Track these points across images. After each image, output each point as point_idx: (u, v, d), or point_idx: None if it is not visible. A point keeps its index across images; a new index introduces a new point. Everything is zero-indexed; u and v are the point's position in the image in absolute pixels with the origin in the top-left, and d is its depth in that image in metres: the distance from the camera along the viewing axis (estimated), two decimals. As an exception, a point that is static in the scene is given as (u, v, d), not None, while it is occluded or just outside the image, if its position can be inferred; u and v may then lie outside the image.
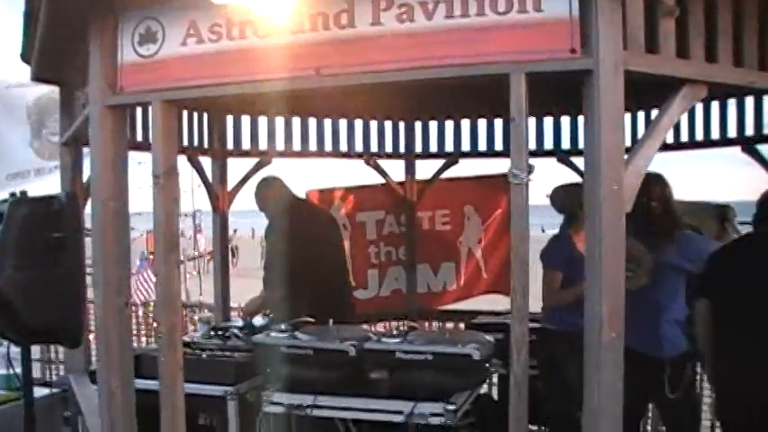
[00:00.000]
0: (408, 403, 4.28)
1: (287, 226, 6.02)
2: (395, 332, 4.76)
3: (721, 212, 6.09)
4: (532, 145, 7.43)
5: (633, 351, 3.36)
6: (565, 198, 5.75)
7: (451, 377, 4.40)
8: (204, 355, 5.26)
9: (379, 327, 8.34)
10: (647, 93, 3.83)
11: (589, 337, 3.23)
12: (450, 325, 8.62)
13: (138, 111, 5.95)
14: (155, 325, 10.91)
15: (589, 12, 3.16)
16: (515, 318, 3.30)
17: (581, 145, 7.26)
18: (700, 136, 6.67)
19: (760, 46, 3.68)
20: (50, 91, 11.28)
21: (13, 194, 4.39)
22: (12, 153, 12.15)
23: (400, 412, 4.29)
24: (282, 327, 4.94)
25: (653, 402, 5.28)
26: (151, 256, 15.50)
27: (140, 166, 5.95)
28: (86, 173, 5.84)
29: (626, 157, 3.28)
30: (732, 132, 6.51)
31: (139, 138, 6.09)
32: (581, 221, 4.44)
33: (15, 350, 5.58)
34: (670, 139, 6.62)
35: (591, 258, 3.22)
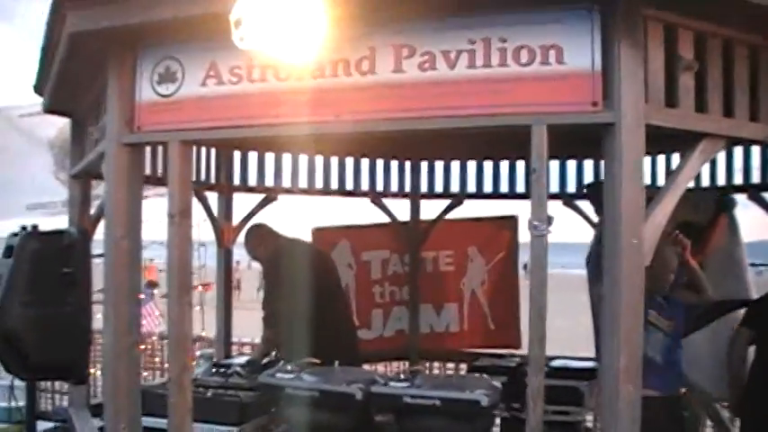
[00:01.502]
0: (416, 449, 4.25)
1: (279, 269, 6.06)
2: (402, 375, 4.71)
3: (720, 202, 6.06)
4: (521, 187, 7.48)
5: None
6: None
7: (460, 423, 4.34)
8: (209, 394, 5.21)
9: (380, 367, 8.33)
10: (660, 139, 3.83)
11: (606, 388, 3.22)
12: (451, 366, 8.62)
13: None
14: (156, 359, 10.91)
15: (612, 65, 3.18)
16: (533, 368, 3.28)
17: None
18: (706, 182, 6.68)
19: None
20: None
21: (24, 228, 4.38)
22: (33, 182, 12.19)
23: (408, 458, 4.25)
24: (288, 367, 4.90)
25: None
26: (154, 290, 15.49)
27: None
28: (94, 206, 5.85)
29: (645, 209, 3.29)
30: (738, 179, 6.53)
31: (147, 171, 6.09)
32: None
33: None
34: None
35: (609, 310, 3.21)
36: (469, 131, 3.58)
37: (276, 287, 6.09)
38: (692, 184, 4.06)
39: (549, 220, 3.28)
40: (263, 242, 6.37)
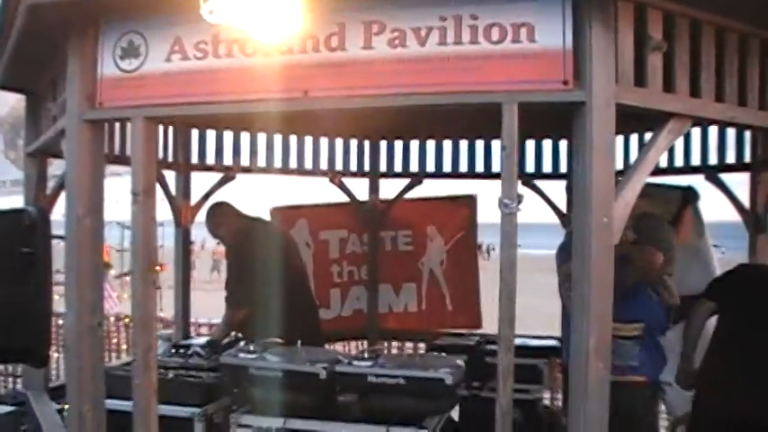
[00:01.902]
0: (380, 428, 4.24)
1: (242, 249, 6.03)
2: (366, 355, 4.69)
3: (684, 196, 6.13)
4: (497, 167, 7.48)
5: None
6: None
7: (424, 402, 4.36)
8: (170, 375, 5.15)
9: (338, 346, 8.32)
10: (629, 119, 3.86)
11: (575, 367, 3.24)
12: (410, 346, 8.64)
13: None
14: (113, 341, 10.79)
15: (583, 44, 3.19)
16: (502, 347, 3.29)
17: (545, 168, 7.37)
18: (663, 163, 6.74)
19: (740, 82, 3.75)
20: (22, 98, 11.12)
21: (-21, 207, 4.27)
22: (-16, 163, 11.94)
23: (373, 437, 4.23)
24: (251, 347, 4.86)
25: None
26: (111, 271, 15.27)
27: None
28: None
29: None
30: (696, 160, 6.61)
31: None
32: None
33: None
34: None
35: (579, 290, 3.23)
36: (439, 108, 3.56)
37: (239, 267, 6.05)
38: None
39: (519, 199, 3.28)
40: (226, 221, 6.32)
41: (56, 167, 5.90)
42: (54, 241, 4.50)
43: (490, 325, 7.68)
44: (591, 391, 3.19)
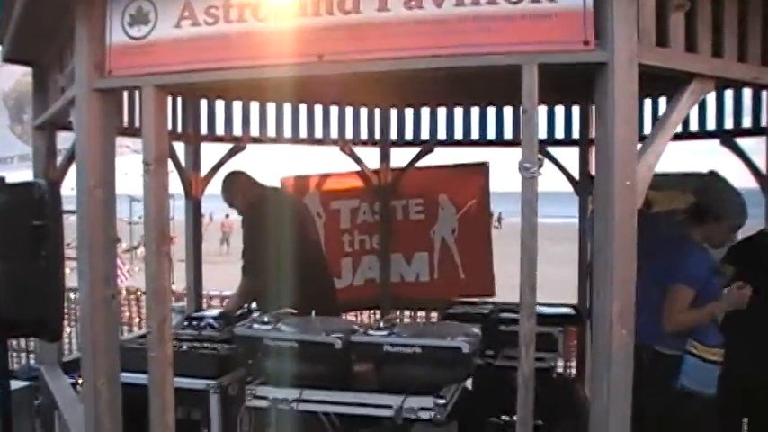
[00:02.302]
0: (397, 397, 4.21)
1: (259, 218, 5.98)
2: (381, 324, 4.65)
3: (701, 184, 5.86)
4: (509, 134, 7.43)
5: None
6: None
7: (441, 370, 4.33)
8: (184, 347, 5.14)
9: (350, 317, 8.31)
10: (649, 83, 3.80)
11: (599, 333, 3.19)
12: (422, 315, 8.63)
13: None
14: (126, 315, 10.81)
15: (604, 3, 3.10)
16: (524, 314, 3.23)
17: (557, 134, 7.31)
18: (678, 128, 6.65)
19: (764, 42, 3.67)
20: (27, 73, 11.07)
21: (-10, 180, 4.24)
22: (-12, 137, 11.90)
23: (389, 406, 4.21)
24: (265, 318, 4.83)
25: None
26: (122, 244, 15.27)
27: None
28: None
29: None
30: (711, 125, 6.52)
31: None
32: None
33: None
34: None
35: (602, 254, 3.17)
36: (456, 72, 3.47)
37: (255, 236, 6.01)
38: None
39: (540, 163, 3.22)
40: (242, 190, 6.29)
41: (63, 141, 5.86)
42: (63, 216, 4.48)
43: (503, 293, 7.69)
44: (614, 358, 3.13)
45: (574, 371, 8.09)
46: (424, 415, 4.16)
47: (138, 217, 26.87)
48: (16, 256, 4.07)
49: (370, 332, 4.57)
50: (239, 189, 6.30)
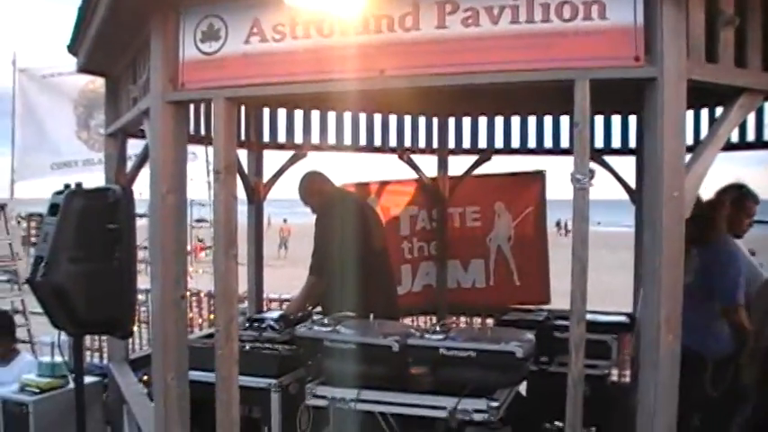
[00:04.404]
0: (451, 399, 4.30)
1: (332, 218, 6.11)
2: (437, 328, 4.77)
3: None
4: (566, 143, 7.49)
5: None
6: None
7: (494, 374, 4.41)
8: (247, 347, 5.31)
9: (406, 322, 8.42)
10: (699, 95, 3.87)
11: (647, 338, 3.28)
12: (477, 321, 8.70)
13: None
14: (189, 316, 11.04)
15: (654, 20, 3.20)
16: (574, 319, 3.34)
17: (614, 144, 7.34)
18: (735, 138, 6.67)
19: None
20: (90, 81, 11.43)
21: (67, 186, 4.46)
22: (58, 142, 12.29)
23: (444, 408, 4.31)
24: (325, 320, 4.98)
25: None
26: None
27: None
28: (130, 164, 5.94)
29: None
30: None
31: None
32: None
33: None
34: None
35: (650, 262, 3.27)
36: (512, 87, 3.61)
37: (327, 236, 6.14)
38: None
39: (592, 174, 3.33)
40: (317, 190, 6.43)
41: (132, 147, 6.09)
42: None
43: (560, 301, 7.73)
44: (662, 364, 3.22)
45: (628, 379, 8.08)
46: (478, 417, 4.25)
47: (195, 220, 27.33)
48: (92, 257, 4.28)
49: (427, 336, 4.67)
50: (314, 188, 6.44)
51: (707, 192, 5.00)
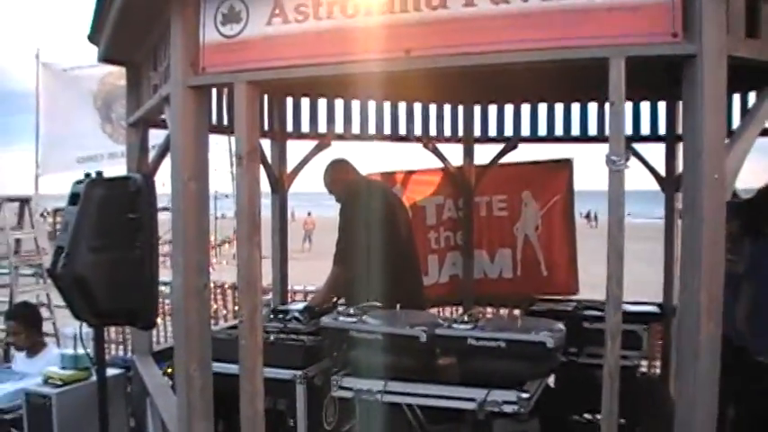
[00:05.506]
0: (480, 390, 4.22)
1: (357, 207, 6.04)
2: (465, 318, 4.67)
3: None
4: (593, 130, 7.36)
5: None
6: None
7: (524, 365, 4.32)
8: (271, 338, 5.25)
9: (432, 312, 8.34)
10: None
11: (687, 326, 3.17)
12: (505, 312, 8.61)
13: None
14: (213, 307, 11.04)
15: (692, -5, 3.08)
16: (610, 306, 3.23)
17: (643, 131, 7.20)
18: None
19: None
20: (108, 74, 11.46)
21: (88, 175, 4.39)
22: (83, 137, 12.36)
23: (473, 399, 4.22)
24: (350, 311, 4.90)
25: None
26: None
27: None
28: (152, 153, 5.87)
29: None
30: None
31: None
32: None
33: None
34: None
35: (690, 247, 3.15)
36: (543, 66, 3.48)
37: (351, 225, 6.08)
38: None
39: (627, 156, 3.21)
40: (342, 178, 6.39)
41: (152, 137, 6.04)
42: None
43: (589, 291, 7.62)
44: (702, 353, 3.11)
45: (658, 370, 7.97)
46: (508, 409, 4.16)
47: (221, 214, 27.35)
48: (113, 247, 4.21)
49: (455, 326, 4.58)
50: (338, 177, 6.38)
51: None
